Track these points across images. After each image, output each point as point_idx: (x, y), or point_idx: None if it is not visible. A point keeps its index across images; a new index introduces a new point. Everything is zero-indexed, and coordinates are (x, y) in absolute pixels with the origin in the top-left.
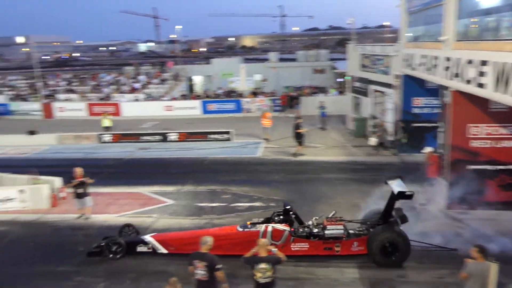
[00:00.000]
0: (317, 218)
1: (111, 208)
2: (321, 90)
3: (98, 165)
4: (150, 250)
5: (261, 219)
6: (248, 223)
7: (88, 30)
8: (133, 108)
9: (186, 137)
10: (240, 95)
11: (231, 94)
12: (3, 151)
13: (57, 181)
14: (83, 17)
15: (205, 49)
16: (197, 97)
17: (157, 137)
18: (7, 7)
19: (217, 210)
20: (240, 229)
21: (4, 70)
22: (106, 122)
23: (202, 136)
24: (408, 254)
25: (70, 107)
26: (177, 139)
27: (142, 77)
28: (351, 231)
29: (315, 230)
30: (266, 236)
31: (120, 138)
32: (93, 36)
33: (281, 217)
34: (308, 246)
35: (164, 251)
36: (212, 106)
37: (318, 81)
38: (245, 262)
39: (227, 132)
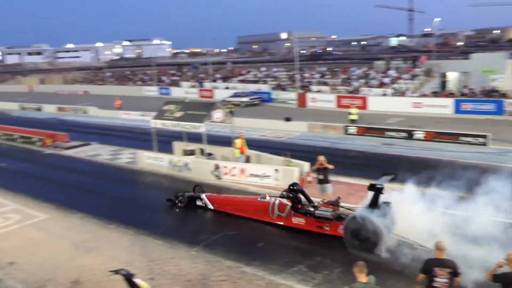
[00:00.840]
0: (324, 200)
1: (351, 198)
2: None
3: (342, 155)
4: (203, 205)
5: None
6: (266, 194)
7: (342, 25)
8: (380, 102)
9: (434, 136)
10: (504, 95)
11: (492, 94)
12: (263, 133)
13: (306, 165)
14: (339, 13)
15: (462, 43)
16: (450, 95)
17: (402, 134)
18: (272, 5)
19: None
20: (259, 199)
21: (269, 62)
22: (353, 115)
23: (453, 137)
24: (376, 243)
25: (321, 98)
26: (424, 138)
27: (391, 72)
28: (343, 216)
29: (310, 209)
30: (270, 208)
31: (364, 131)
32: (346, 31)
33: (290, 194)
34: (304, 221)
35: (211, 207)
36: (467, 106)
37: None
38: (496, 280)
39: (483, 136)
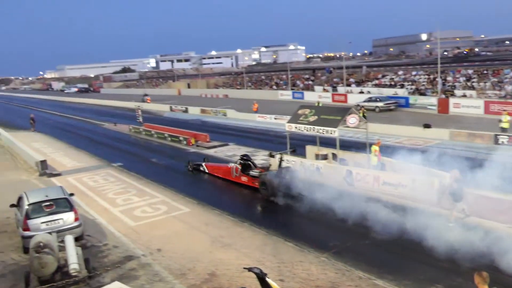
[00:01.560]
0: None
1: (502, 216)
2: None
3: (491, 167)
4: (203, 170)
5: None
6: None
7: (492, 23)
8: None
9: None
10: None
11: None
12: (399, 140)
13: (447, 176)
14: (487, 10)
15: None
16: None
17: None
18: (410, 6)
19: None
20: (228, 165)
21: (407, 65)
22: (504, 123)
23: None
24: (274, 193)
25: (466, 104)
26: None
27: None
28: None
29: (250, 172)
30: (231, 170)
31: None
32: (497, 29)
33: (241, 161)
34: (246, 179)
35: (206, 170)
36: None
37: None
38: None
39: None
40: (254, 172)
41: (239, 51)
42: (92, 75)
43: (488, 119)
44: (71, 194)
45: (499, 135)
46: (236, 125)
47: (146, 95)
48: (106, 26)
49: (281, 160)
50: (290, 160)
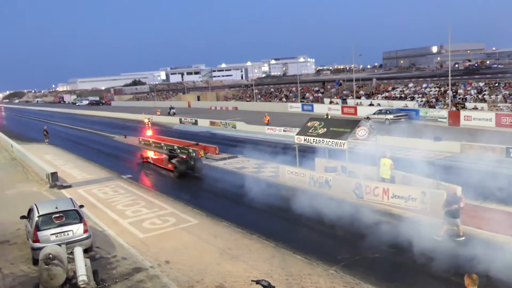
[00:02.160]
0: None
1: None
2: None
3: (502, 181)
4: (148, 161)
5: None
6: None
7: (504, 36)
8: None
9: None
10: None
11: None
12: (409, 152)
13: (458, 189)
14: (499, 23)
15: None
16: None
17: None
18: (424, 18)
19: None
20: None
21: (417, 78)
22: None
23: None
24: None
25: (477, 116)
26: None
27: None
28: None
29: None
30: (164, 160)
31: None
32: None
33: (169, 153)
34: (171, 166)
35: (151, 161)
36: None
37: None
38: None
39: None
40: (174, 161)
41: (249, 63)
42: (103, 88)
43: (500, 132)
44: (81, 206)
45: (510, 148)
46: (245, 137)
47: (172, 108)
48: (117, 39)
49: (173, 153)
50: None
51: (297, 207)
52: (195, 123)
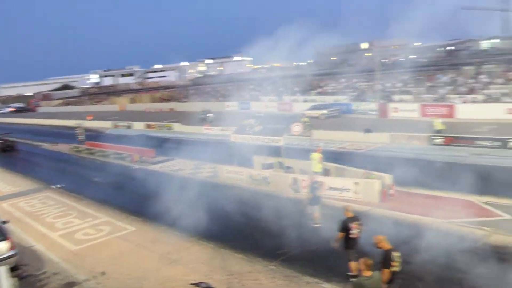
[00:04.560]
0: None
1: (438, 212)
2: None
3: (427, 167)
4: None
5: None
6: None
7: (426, 32)
8: (469, 110)
9: None
10: None
11: None
12: (342, 145)
13: (388, 177)
14: (421, 19)
15: None
16: None
17: (495, 143)
18: (353, 15)
19: None
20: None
21: (348, 73)
22: (438, 124)
23: None
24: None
25: (403, 108)
26: None
27: (483, 77)
28: None
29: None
30: None
31: (452, 141)
32: (432, 37)
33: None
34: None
35: None
36: None
37: None
38: None
39: None
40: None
41: (184, 63)
42: (30, 94)
43: (424, 121)
44: (4, 222)
45: (433, 136)
46: (182, 138)
47: (206, 113)
48: (43, 42)
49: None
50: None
51: (236, 206)
52: (130, 126)
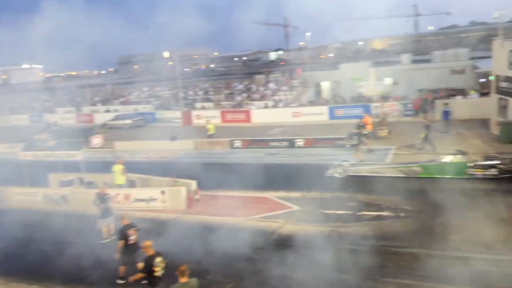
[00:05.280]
0: None
1: (241, 211)
2: (460, 92)
3: (228, 170)
4: None
5: None
6: None
7: (225, 42)
8: (262, 114)
9: (313, 143)
10: (370, 99)
11: (360, 99)
12: (148, 155)
13: (193, 183)
14: (220, 30)
15: (332, 54)
16: (325, 102)
17: (284, 143)
18: (153, 24)
19: (343, 218)
20: None
21: (152, 82)
22: (211, 129)
23: (329, 142)
24: None
25: (206, 115)
26: (304, 145)
27: (271, 85)
28: None
29: None
30: None
31: (249, 144)
32: (228, 47)
33: None
34: None
35: None
36: (340, 112)
37: (456, 82)
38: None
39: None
40: None
41: None
42: None
43: (226, 127)
44: None
45: (234, 140)
46: None
47: None
48: None
49: None
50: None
51: (29, 232)
52: None
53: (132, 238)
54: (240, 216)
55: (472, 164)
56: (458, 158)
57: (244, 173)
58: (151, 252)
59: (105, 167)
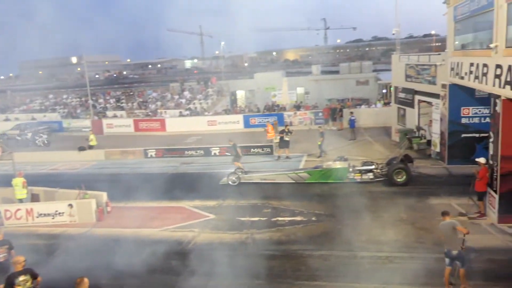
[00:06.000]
0: None
1: (155, 222)
2: (365, 102)
3: (143, 180)
4: None
5: None
6: None
7: (137, 49)
8: (177, 123)
9: (228, 151)
10: (283, 108)
11: (274, 108)
12: (54, 166)
13: (104, 195)
14: (133, 37)
15: (247, 64)
16: (240, 111)
17: (200, 152)
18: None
19: (257, 225)
20: None
21: (58, 89)
22: (93, 140)
23: (245, 150)
24: None
25: (118, 123)
26: (219, 154)
27: (186, 93)
28: None
29: None
30: None
31: (164, 153)
32: (141, 55)
33: None
34: None
35: None
36: (254, 120)
37: (361, 93)
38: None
39: (269, 146)
40: None
41: None
42: None
43: (139, 136)
44: None
45: (148, 149)
46: None
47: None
48: None
49: None
50: None
51: None
52: None
53: (1, 256)
54: (154, 227)
55: (351, 169)
56: (340, 164)
57: (159, 182)
58: (19, 268)
59: (5, 180)
